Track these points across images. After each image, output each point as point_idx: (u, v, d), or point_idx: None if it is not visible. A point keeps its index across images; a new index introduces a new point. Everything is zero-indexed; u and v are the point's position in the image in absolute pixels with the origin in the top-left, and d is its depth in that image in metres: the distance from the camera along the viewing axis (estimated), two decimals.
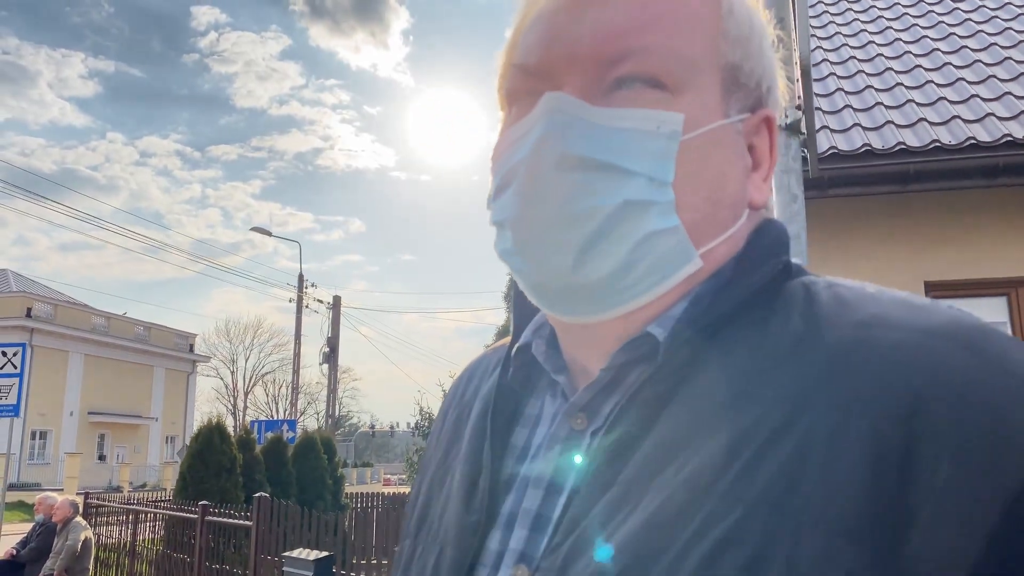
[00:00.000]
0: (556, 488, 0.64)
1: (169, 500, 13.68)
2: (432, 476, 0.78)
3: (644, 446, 0.58)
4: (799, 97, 2.65)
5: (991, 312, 5.72)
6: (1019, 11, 7.13)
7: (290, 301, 32.75)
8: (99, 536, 12.48)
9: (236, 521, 9.38)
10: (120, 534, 12.83)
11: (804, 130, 2.65)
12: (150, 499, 15.34)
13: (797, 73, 2.63)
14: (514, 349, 0.74)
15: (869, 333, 0.55)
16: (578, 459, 0.64)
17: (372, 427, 70.74)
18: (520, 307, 0.77)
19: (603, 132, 0.62)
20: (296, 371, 33.55)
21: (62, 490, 25.60)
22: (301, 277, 32.19)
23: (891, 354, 0.53)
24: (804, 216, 2.62)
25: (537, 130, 0.62)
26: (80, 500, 11.12)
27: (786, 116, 2.61)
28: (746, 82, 0.69)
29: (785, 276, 0.65)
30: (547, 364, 0.71)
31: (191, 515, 10.18)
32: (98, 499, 14.58)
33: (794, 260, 0.68)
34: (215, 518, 9.75)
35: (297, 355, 33.21)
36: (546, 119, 0.62)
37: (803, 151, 2.75)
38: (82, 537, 8.94)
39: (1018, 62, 6.12)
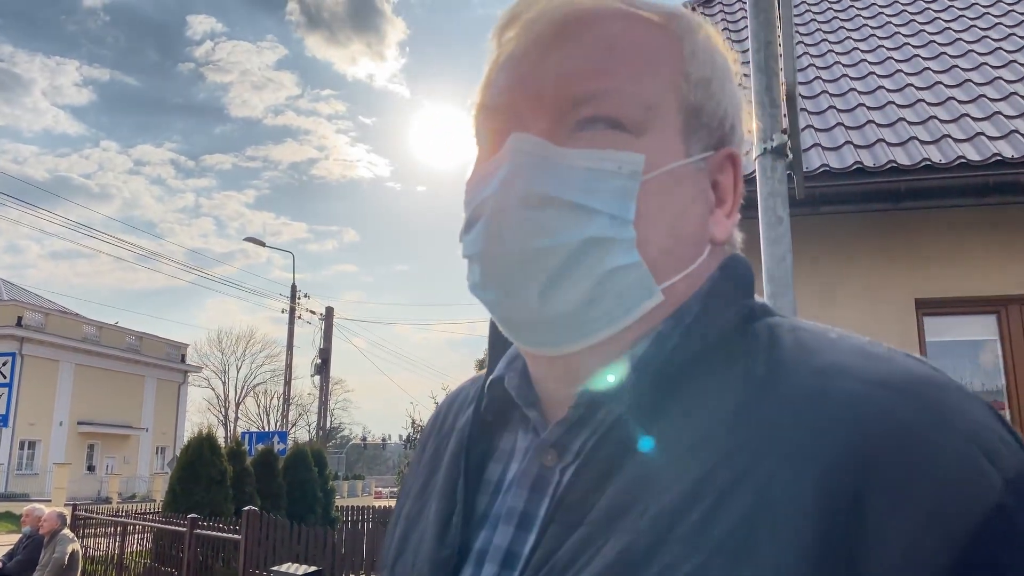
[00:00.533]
0: (527, 524, 0.65)
1: (158, 512, 13.58)
2: (410, 508, 0.79)
3: (611, 487, 0.59)
4: (784, 120, 2.67)
5: (982, 330, 5.74)
6: (1009, 31, 7.20)
7: (283, 312, 32.69)
8: (87, 548, 12.38)
9: (225, 534, 9.32)
10: (108, 546, 12.74)
11: (789, 153, 2.67)
12: (139, 511, 15.24)
13: (782, 97, 2.65)
14: (488, 382, 0.75)
15: (826, 382, 0.57)
16: (548, 496, 0.65)
17: (364, 439, 70.48)
18: (495, 339, 0.78)
19: (567, 171, 0.64)
20: (288, 382, 33.44)
21: (50, 501, 25.41)
22: (294, 288, 32.14)
23: (845, 405, 0.54)
24: (790, 239, 2.63)
25: (504, 169, 0.65)
26: (68, 512, 11.03)
27: (771, 140, 2.62)
28: (708, 122, 0.71)
29: (750, 318, 0.67)
30: (519, 398, 0.72)
31: (179, 528, 10.11)
32: (86, 511, 14.48)
33: (759, 299, 0.70)
34: (204, 531, 9.69)
35: (289, 366, 33.10)
36: (512, 158, 0.65)
37: (789, 173, 2.77)
38: (69, 550, 8.86)
39: (1008, 82, 6.17)
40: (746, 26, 7.89)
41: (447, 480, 0.74)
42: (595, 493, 0.60)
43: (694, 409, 0.60)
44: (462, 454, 0.74)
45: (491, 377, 0.75)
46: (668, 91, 0.68)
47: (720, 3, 9.04)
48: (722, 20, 8.56)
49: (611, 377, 0.65)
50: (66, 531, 9.15)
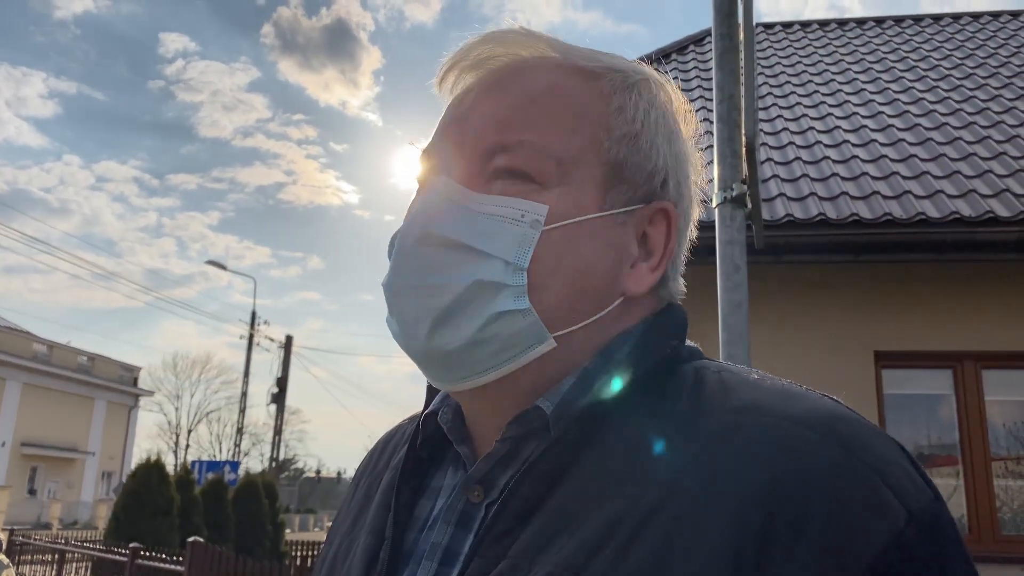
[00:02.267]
0: (450, 560, 0.65)
1: (99, 540, 13.14)
2: (338, 546, 0.78)
3: (534, 521, 0.60)
4: (744, 171, 2.70)
5: (937, 384, 5.82)
6: (970, 94, 7.42)
7: (241, 337, 32.25)
8: (22, 575, 11.92)
9: (167, 566, 9.03)
10: (44, 574, 12.28)
11: (749, 202, 2.70)
12: (79, 538, 14.74)
13: (743, 149, 2.69)
14: (422, 417, 0.76)
15: (740, 419, 0.58)
16: (473, 532, 0.66)
17: (318, 472, 69.36)
18: None
19: (469, 216, 0.67)
20: (242, 410, 32.88)
21: None
22: (254, 314, 31.76)
23: (756, 439, 0.56)
24: (746, 287, 2.65)
25: (415, 209, 0.70)
26: (4, 536, 10.63)
27: (731, 189, 2.64)
28: (632, 176, 0.71)
29: (677, 360, 0.68)
30: (451, 433, 0.73)
31: (120, 558, 9.78)
32: (23, 536, 13.97)
33: (690, 344, 0.72)
34: (145, 561, 9.38)
35: (244, 394, 32.58)
36: (422, 198, 0.70)
37: (749, 223, 2.79)
38: (2, 575, 8.52)
39: (968, 143, 6.34)
40: (697, 83, 8.09)
41: (377, 516, 0.74)
42: (518, 528, 0.60)
43: (617, 445, 0.61)
44: (393, 490, 0.74)
45: (425, 412, 0.76)
46: (586, 147, 0.70)
47: (675, 59, 9.20)
48: (676, 78, 8.71)
49: (535, 414, 0.66)
50: (1, 556, 8.81)
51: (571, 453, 0.62)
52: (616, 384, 0.65)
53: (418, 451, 0.75)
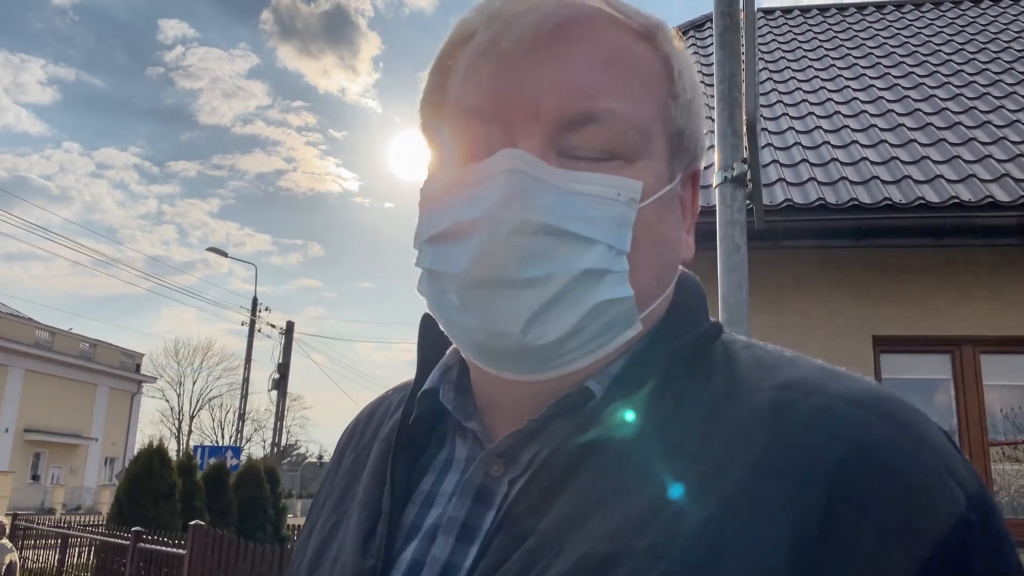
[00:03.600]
0: (468, 537, 0.62)
1: (103, 525, 13.22)
2: (325, 520, 0.75)
3: (564, 497, 0.57)
4: (745, 151, 2.71)
5: (936, 369, 5.83)
6: (970, 79, 7.40)
7: (242, 324, 32.26)
8: (25, 560, 12.00)
9: (169, 549, 9.09)
10: (48, 558, 12.36)
11: (749, 183, 2.70)
12: (83, 523, 14.83)
13: (743, 128, 2.69)
14: (420, 393, 0.72)
15: (788, 396, 0.57)
16: (494, 507, 0.62)
17: (320, 457, 69.56)
18: (425, 349, 0.76)
19: (564, 197, 0.60)
20: (244, 396, 32.95)
21: None
22: (255, 300, 31.76)
23: (813, 419, 0.55)
24: (746, 267, 2.66)
25: (498, 190, 0.60)
26: (7, 521, 10.70)
27: (732, 169, 2.65)
28: (687, 145, 0.70)
29: (714, 337, 0.67)
30: (457, 412, 0.69)
31: (123, 541, 9.84)
32: (27, 521, 14.05)
33: (712, 318, 0.70)
34: (147, 545, 9.44)
35: (246, 380, 32.64)
36: (506, 179, 0.60)
37: (749, 205, 2.79)
38: (7, 560, 8.59)
39: (967, 127, 6.33)
40: (697, 70, 8.06)
41: (369, 490, 0.70)
42: (548, 502, 0.58)
43: (654, 422, 0.59)
44: (387, 463, 0.70)
45: (424, 388, 0.72)
46: (658, 114, 0.66)
47: (693, 36, 9.18)
48: (695, 51, 8.70)
49: (581, 394, 0.63)
50: (4, 540, 8.88)
51: (602, 431, 0.59)
52: (658, 366, 0.62)
53: (411, 427, 0.71)
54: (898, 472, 0.52)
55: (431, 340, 0.75)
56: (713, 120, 2.80)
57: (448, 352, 0.74)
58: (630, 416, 0.60)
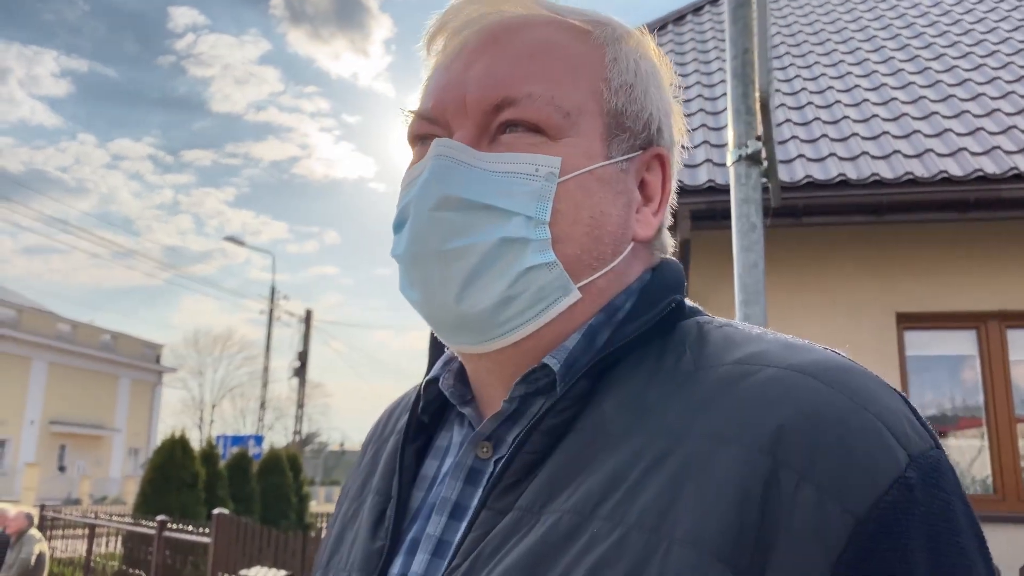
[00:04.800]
0: (459, 515, 0.67)
1: (129, 514, 13.39)
2: (347, 509, 0.81)
3: (541, 473, 0.62)
4: (759, 128, 2.65)
5: (962, 345, 5.76)
6: (994, 48, 7.26)
7: (261, 313, 32.51)
8: (54, 550, 12.18)
9: (194, 537, 9.18)
10: (76, 548, 12.54)
11: (764, 160, 2.64)
12: (109, 513, 15.02)
13: (757, 105, 2.63)
14: (424, 383, 0.78)
15: (745, 369, 0.60)
16: (480, 486, 0.67)
17: (342, 445, 70.15)
18: (434, 342, 0.82)
19: (484, 175, 0.67)
20: (265, 385, 33.20)
21: (19, 501, 25.02)
22: (273, 289, 31.94)
23: (761, 388, 0.58)
24: (762, 246, 2.60)
25: (425, 173, 0.68)
26: (36, 512, 10.84)
27: (746, 146, 2.59)
28: (632, 125, 0.73)
29: (679, 315, 0.69)
30: (453, 397, 0.75)
31: (148, 530, 9.95)
32: (55, 511, 14.25)
33: (688, 302, 0.73)
34: (172, 534, 9.55)
35: (266, 369, 32.87)
36: (432, 163, 0.68)
37: (765, 183, 2.73)
38: (36, 550, 8.69)
39: (992, 98, 6.21)
40: (713, 44, 7.97)
41: (383, 478, 0.77)
42: (525, 481, 0.62)
43: (622, 398, 0.63)
44: (398, 452, 0.76)
45: (427, 378, 0.78)
46: (589, 96, 0.71)
47: (690, 20, 9.06)
48: (691, 39, 8.58)
49: (543, 370, 0.67)
50: (33, 531, 8.99)
51: (576, 408, 0.64)
52: (619, 339, 0.66)
53: (419, 416, 0.77)
54: (837, 433, 0.54)
55: (437, 340, 0.81)
56: (717, 105, 2.73)
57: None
58: (599, 393, 0.64)
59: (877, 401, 0.57)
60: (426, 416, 0.77)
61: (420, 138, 0.74)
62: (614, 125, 0.72)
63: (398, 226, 0.72)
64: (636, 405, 0.62)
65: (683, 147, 0.82)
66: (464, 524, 0.65)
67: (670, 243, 0.79)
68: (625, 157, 0.72)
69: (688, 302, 0.72)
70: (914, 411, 0.59)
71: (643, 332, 0.66)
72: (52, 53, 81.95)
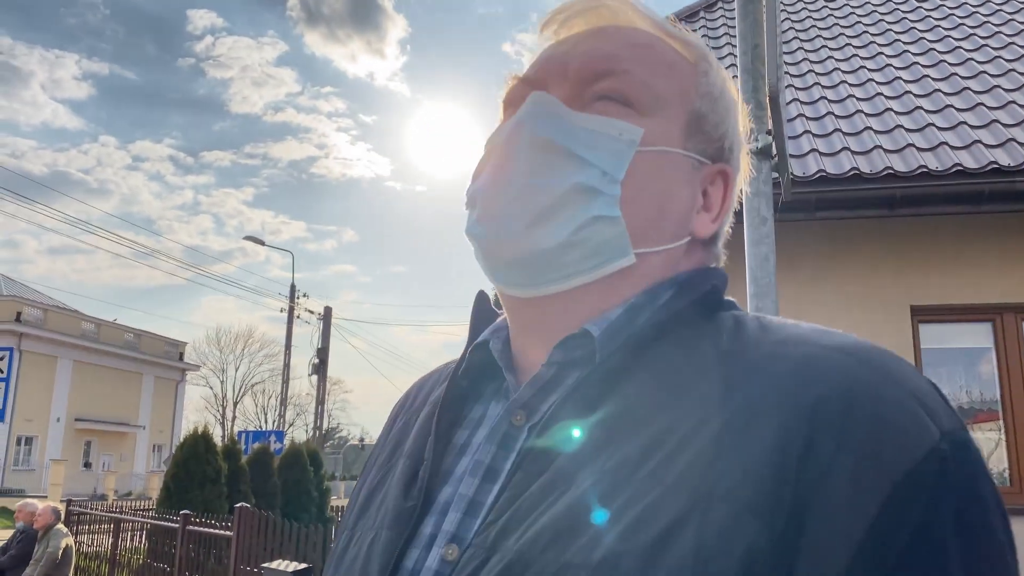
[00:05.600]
0: (492, 477, 0.68)
1: (153, 509, 13.57)
2: (374, 476, 0.82)
3: (576, 439, 0.63)
4: (769, 123, 2.68)
5: (977, 338, 5.74)
6: (1009, 40, 7.21)
7: (281, 311, 32.66)
8: (80, 544, 12.38)
9: (217, 531, 9.31)
10: (102, 542, 12.74)
11: (775, 154, 2.68)
12: (133, 508, 15.23)
13: (767, 100, 2.66)
14: (472, 345, 0.80)
15: (781, 348, 0.63)
16: (515, 451, 0.69)
17: (361, 440, 70.39)
18: (478, 317, 0.84)
19: (571, 127, 0.72)
20: (285, 381, 33.43)
21: (46, 497, 25.37)
22: (293, 287, 32.13)
23: (799, 363, 0.61)
24: (773, 239, 2.64)
25: (518, 116, 0.74)
26: (62, 507, 11.03)
27: (756, 140, 2.63)
28: (709, 131, 0.78)
29: (718, 306, 0.73)
30: (500, 360, 0.77)
31: (172, 524, 10.10)
32: (80, 507, 14.47)
33: (729, 299, 0.76)
34: (196, 528, 9.68)
35: (287, 365, 33.09)
36: (527, 108, 0.74)
37: (776, 177, 2.77)
38: (63, 545, 8.85)
39: (1007, 90, 6.18)
40: (725, 40, 7.95)
41: (415, 443, 0.78)
42: (562, 444, 0.64)
43: (659, 372, 0.65)
44: (433, 417, 0.77)
45: (476, 341, 0.80)
46: (677, 93, 0.77)
47: (703, 16, 9.05)
48: (703, 36, 8.57)
49: (582, 339, 0.69)
50: (60, 526, 9.14)
51: (613, 379, 0.66)
52: (660, 316, 0.69)
53: (459, 381, 0.79)
54: (873, 406, 0.56)
55: (482, 313, 0.85)
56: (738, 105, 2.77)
57: (500, 318, 0.83)
58: (635, 367, 0.66)
59: (910, 380, 0.59)
60: (466, 380, 0.79)
61: (514, 101, 0.79)
62: (694, 125, 0.77)
63: (479, 171, 0.76)
64: (673, 381, 0.64)
65: (741, 190, 0.85)
66: (497, 486, 0.67)
67: (723, 256, 0.82)
68: (697, 157, 0.77)
69: (729, 299, 0.75)
70: (941, 393, 0.61)
71: (682, 314, 0.70)
72: (74, 56, 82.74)
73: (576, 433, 0.64)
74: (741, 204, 3.04)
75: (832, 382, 0.58)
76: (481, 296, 0.86)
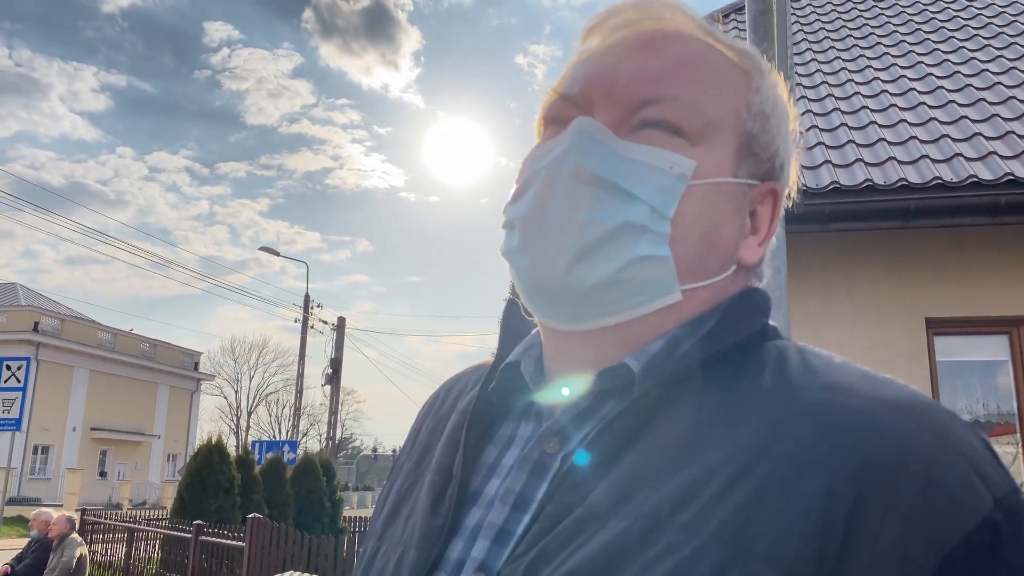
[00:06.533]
0: (522, 506, 0.66)
1: (166, 519, 13.62)
2: (402, 482, 0.81)
3: (611, 475, 0.61)
4: None
5: (994, 351, 5.69)
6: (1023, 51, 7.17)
7: (295, 321, 32.78)
8: (94, 553, 12.43)
9: (230, 541, 9.33)
10: (116, 552, 12.79)
11: None
12: (147, 517, 15.29)
13: None
14: (503, 364, 0.78)
15: (831, 397, 0.60)
16: (547, 480, 0.67)
17: (374, 450, 70.48)
18: (508, 325, 0.83)
19: (621, 159, 0.69)
20: (299, 392, 33.52)
21: (61, 506, 25.53)
22: (307, 298, 32.26)
23: (847, 417, 0.58)
24: (784, 253, 2.64)
25: (563, 144, 0.70)
26: (77, 517, 11.08)
27: None
28: (760, 152, 0.75)
29: (763, 338, 0.70)
30: (532, 383, 0.75)
31: (185, 534, 10.13)
32: (95, 516, 14.54)
33: (771, 323, 0.73)
34: (209, 538, 9.70)
35: (300, 376, 33.18)
36: (573, 136, 0.70)
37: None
38: (77, 554, 8.90)
39: (1022, 101, 6.14)
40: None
41: (444, 455, 0.76)
42: (596, 478, 0.62)
43: (699, 410, 0.63)
44: (462, 431, 0.76)
45: (507, 360, 0.78)
46: (729, 114, 0.73)
47: (734, 19, 9.06)
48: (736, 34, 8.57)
49: (621, 371, 0.67)
50: (74, 535, 9.20)
51: (651, 414, 0.64)
52: (702, 351, 0.66)
53: (488, 396, 0.77)
54: (925, 469, 0.54)
55: (512, 323, 0.82)
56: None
57: (532, 332, 0.80)
58: (675, 402, 0.64)
59: (963, 440, 0.57)
60: (495, 397, 0.77)
61: (556, 119, 0.75)
62: (746, 147, 0.74)
63: (520, 193, 0.72)
64: (712, 418, 0.61)
65: (788, 196, 0.82)
66: (528, 516, 0.65)
67: (767, 275, 0.80)
68: (747, 181, 0.74)
69: (771, 323, 0.73)
70: (995, 453, 0.59)
71: (723, 348, 0.67)
72: (92, 69, 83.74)
73: (612, 468, 0.62)
74: None
75: (881, 440, 0.56)
76: (511, 305, 0.83)
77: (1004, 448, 5.53)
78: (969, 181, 5.10)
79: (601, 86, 0.72)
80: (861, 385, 0.61)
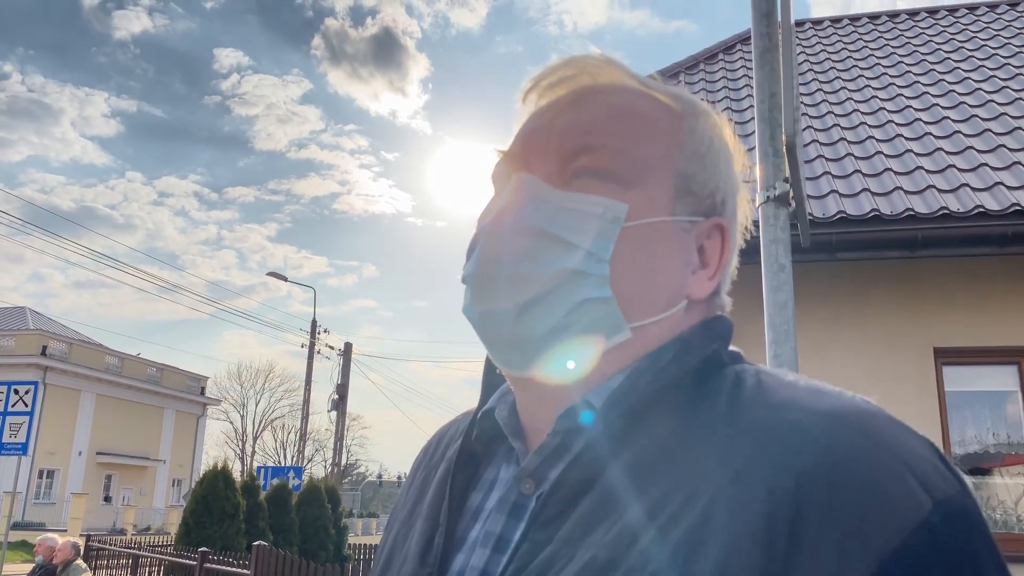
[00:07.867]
0: (502, 547, 0.69)
1: (171, 545, 13.56)
2: (397, 532, 0.84)
3: (580, 508, 0.64)
4: (787, 170, 2.71)
5: (1001, 381, 5.67)
6: None
7: (302, 346, 32.79)
8: None
9: (234, 569, 9.28)
10: None
11: (792, 201, 2.70)
12: (152, 543, 15.23)
13: (783, 147, 2.69)
14: (480, 413, 0.81)
15: (775, 414, 0.62)
16: (524, 521, 0.69)
17: (379, 477, 70.16)
18: (489, 374, 0.85)
19: (555, 208, 0.72)
20: (305, 417, 33.42)
21: (66, 531, 25.43)
22: (314, 323, 32.29)
23: (788, 433, 0.60)
24: (791, 286, 2.64)
25: (502, 200, 0.74)
26: (81, 542, 11.04)
27: (774, 188, 2.65)
28: (698, 190, 0.77)
29: (719, 364, 0.72)
30: (506, 428, 0.77)
31: (190, 561, 10.08)
32: (99, 542, 14.48)
33: (732, 348, 0.75)
34: (213, 565, 9.65)
35: (307, 401, 33.12)
36: (511, 192, 0.74)
37: (794, 222, 2.78)
38: None
39: None
40: (744, 82, 8.00)
41: (432, 504, 0.79)
42: (566, 513, 0.65)
43: (658, 439, 0.65)
44: (448, 479, 0.79)
45: (483, 408, 0.81)
46: (661, 157, 0.76)
47: (722, 59, 9.13)
48: (722, 77, 8.64)
49: (585, 408, 0.70)
50: (79, 561, 9.15)
51: (615, 446, 0.66)
52: (659, 382, 0.69)
53: (471, 444, 0.80)
54: (860, 477, 0.55)
55: (491, 371, 0.85)
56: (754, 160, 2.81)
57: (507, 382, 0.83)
58: (636, 433, 0.67)
59: (901, 445, 0.58)
60: (479, 445, 0.80)
61: (499, 177, 0.80)
62: (681, 187, 0.76)
63: (470, 251, 0.76)
64: (669, 447, 0.64)
65: (746, 228, 0.85)
66: (506, 557, 0.67)
67: (727, 303, 0.81)
68: (689, 219, 0.76)
69: (732, 348, 0.75)
70: (941, 456, 0.59)
71: (681, 377, 0.69)
72: (103, 94, 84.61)
73: (580, 501, 0.65)
74: (759, 240, 3.04)
75: (817, 451, 0.57)
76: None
77: (1015, 480, 5.49)
78: (976, 211, 5.12)
79: (537, 142, 0.76)
80: (804, 399, 0.62)
